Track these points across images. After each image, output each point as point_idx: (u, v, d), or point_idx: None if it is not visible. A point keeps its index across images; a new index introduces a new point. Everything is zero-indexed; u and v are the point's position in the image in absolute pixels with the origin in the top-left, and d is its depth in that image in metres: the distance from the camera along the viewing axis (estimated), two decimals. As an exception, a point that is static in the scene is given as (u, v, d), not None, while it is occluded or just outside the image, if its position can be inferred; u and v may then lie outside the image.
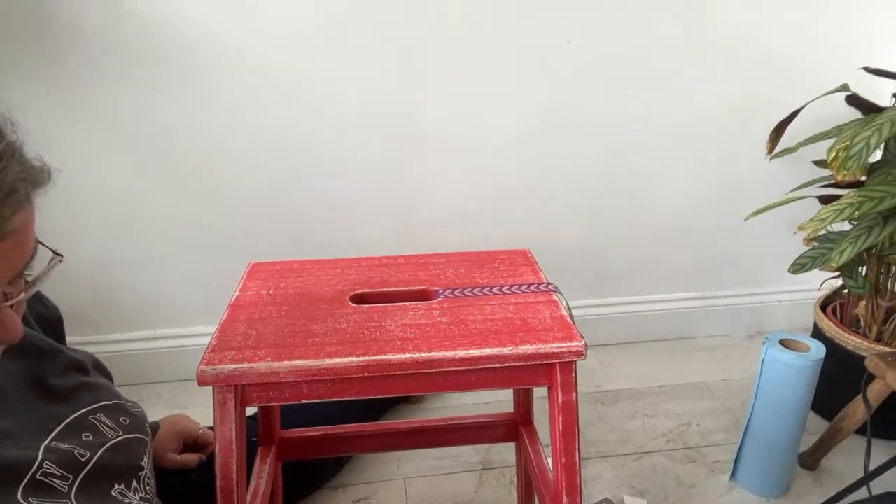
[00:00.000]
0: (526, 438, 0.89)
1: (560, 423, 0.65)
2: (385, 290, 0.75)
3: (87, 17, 1.11)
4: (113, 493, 0.56)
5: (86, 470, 0.54)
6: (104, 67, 1.15)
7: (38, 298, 0.66)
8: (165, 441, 0.88)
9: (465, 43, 1.23)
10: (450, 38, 1.22)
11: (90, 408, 0.60)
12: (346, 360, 0.60)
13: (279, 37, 1.18)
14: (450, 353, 0.61)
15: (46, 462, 0.51)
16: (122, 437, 0.60)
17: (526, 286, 0.74)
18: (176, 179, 1.26)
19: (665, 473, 1.14)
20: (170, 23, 1.14)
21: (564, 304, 0.70)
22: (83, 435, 0.57)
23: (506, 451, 1.18)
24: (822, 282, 1.28)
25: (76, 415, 0.58)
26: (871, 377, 0.99)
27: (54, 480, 0.51)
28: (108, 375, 0.71)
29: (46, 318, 0.66)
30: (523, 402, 0.92)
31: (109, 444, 0.58)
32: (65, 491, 0.52)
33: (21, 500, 0.48)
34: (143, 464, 0.62)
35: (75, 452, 0.54)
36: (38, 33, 1.11)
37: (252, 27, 1.16)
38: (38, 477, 0.50)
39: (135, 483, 0.60)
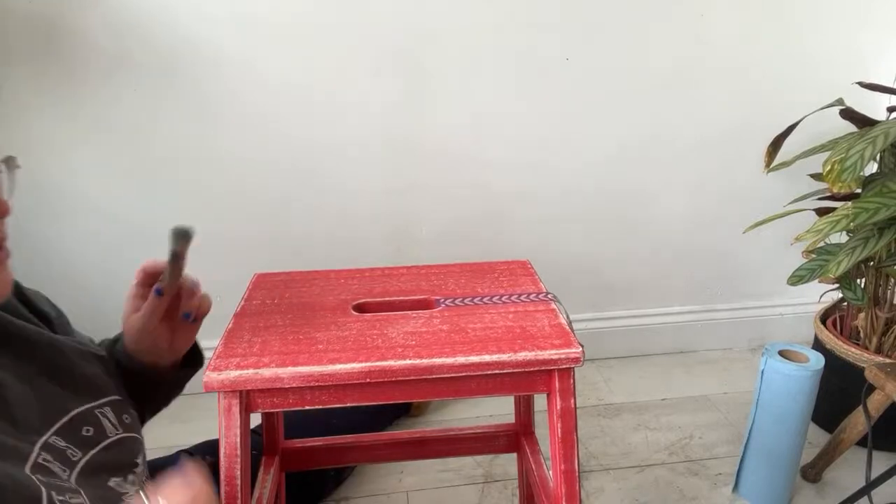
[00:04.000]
0: (527, 448, 0.89)
1: (559, 430, 0.65)
2: (387, 299, 0.76)
3: (98, 32, 1.15)
4: (110, 483, 0.59)
5: (79, 466, 0.56)
6: (115, 80, 1.18)
7: (51, 304, 0.69)
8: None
9: (466, 60, 1.26)
10: (451, 55, 1.25)
11: (99, 402, 0.62)
12: (348, 366, 0.61)
13: (286, 55, 1.21)
14: (450, 360, 0.62)
15: (43, 454, 0.54)
16: (121, 434, 0.62)
17: (525, 295, 0.75)
18: (183, 193, 1.28)
19: (668, 486, 1.14)
20: (179, 39, 1.17)
21: (563, 312, 0.71)
22: (84, 429, 0.59)
23: (507, 464, 1.18)
24: (822, 294, 1.28)
25: (83, 408, 0.60)
26: (871, 388, 0.99)
27: (53, 467, 0.54)
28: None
29: (58, 322, 0.68)
30: (524, 413, 0.92)
31: (106, 441, 0.60)
32: (65, 476, 0.54)
33: (29, 474, 0.51)
34: (137, 461, 0.63)
35: (67, 452, 0.56)
36: (49, 49, 1.14)
37: (258, 45, 1.19)
38: (39, 461, 0.53)
39: (131, 477, 0.61)
